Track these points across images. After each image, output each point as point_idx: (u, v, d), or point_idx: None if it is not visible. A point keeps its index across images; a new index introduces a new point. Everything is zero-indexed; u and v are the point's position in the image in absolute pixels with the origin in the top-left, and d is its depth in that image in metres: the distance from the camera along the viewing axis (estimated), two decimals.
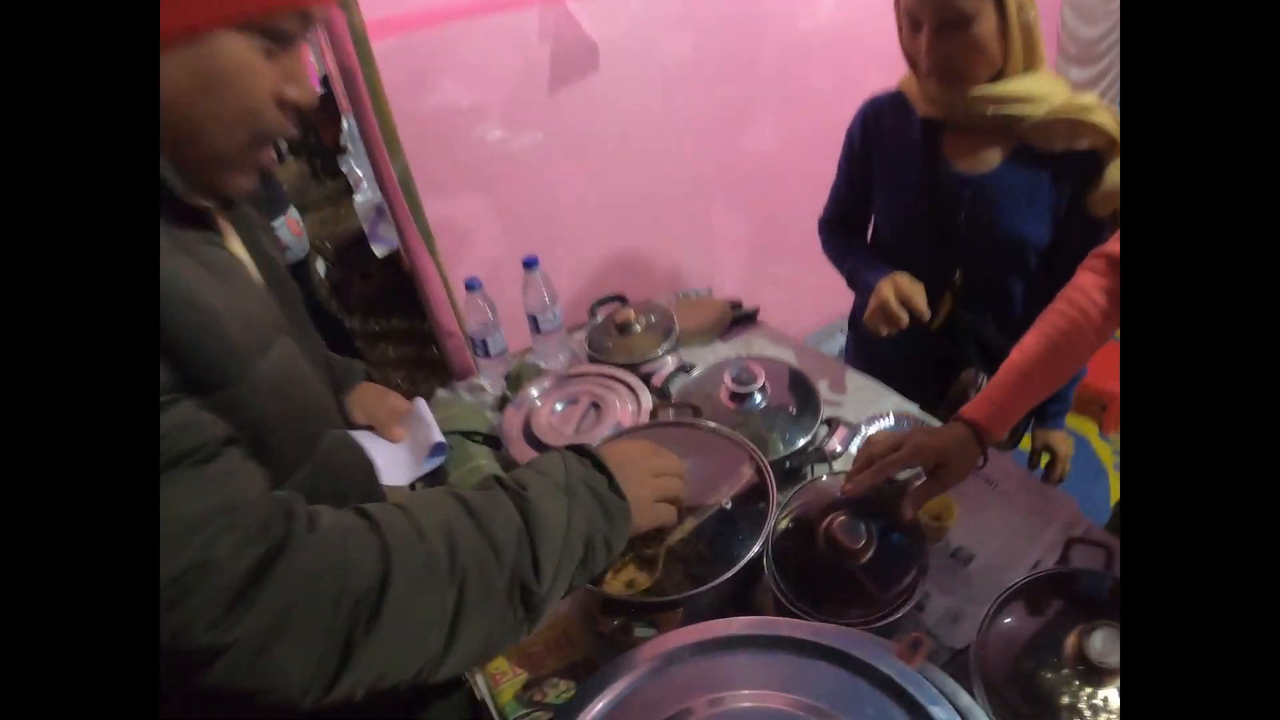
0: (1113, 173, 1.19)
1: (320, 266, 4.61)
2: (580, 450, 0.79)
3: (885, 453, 0.97)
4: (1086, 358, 1.04)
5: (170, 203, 0.59)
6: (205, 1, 0.53)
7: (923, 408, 1.37)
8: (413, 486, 1.16)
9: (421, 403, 1.22)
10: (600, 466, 0.77)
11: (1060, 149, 1.21)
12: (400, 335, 3.82)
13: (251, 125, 0.61)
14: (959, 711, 0.66)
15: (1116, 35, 3.24)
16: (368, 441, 1.07)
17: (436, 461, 1.18)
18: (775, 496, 0.96)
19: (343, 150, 4.43)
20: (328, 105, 4.05)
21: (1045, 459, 1.45)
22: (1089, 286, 1.02)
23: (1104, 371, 2.69)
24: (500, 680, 0.97)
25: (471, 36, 1.64)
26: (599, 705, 0.71)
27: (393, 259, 3.56)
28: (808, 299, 2.46)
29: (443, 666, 0.62)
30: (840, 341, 2.92)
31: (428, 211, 1.59)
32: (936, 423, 1.28)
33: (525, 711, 0.93)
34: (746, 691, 0.70)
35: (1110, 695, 0.74)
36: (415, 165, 1.55)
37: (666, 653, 0.74)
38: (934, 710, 0.66)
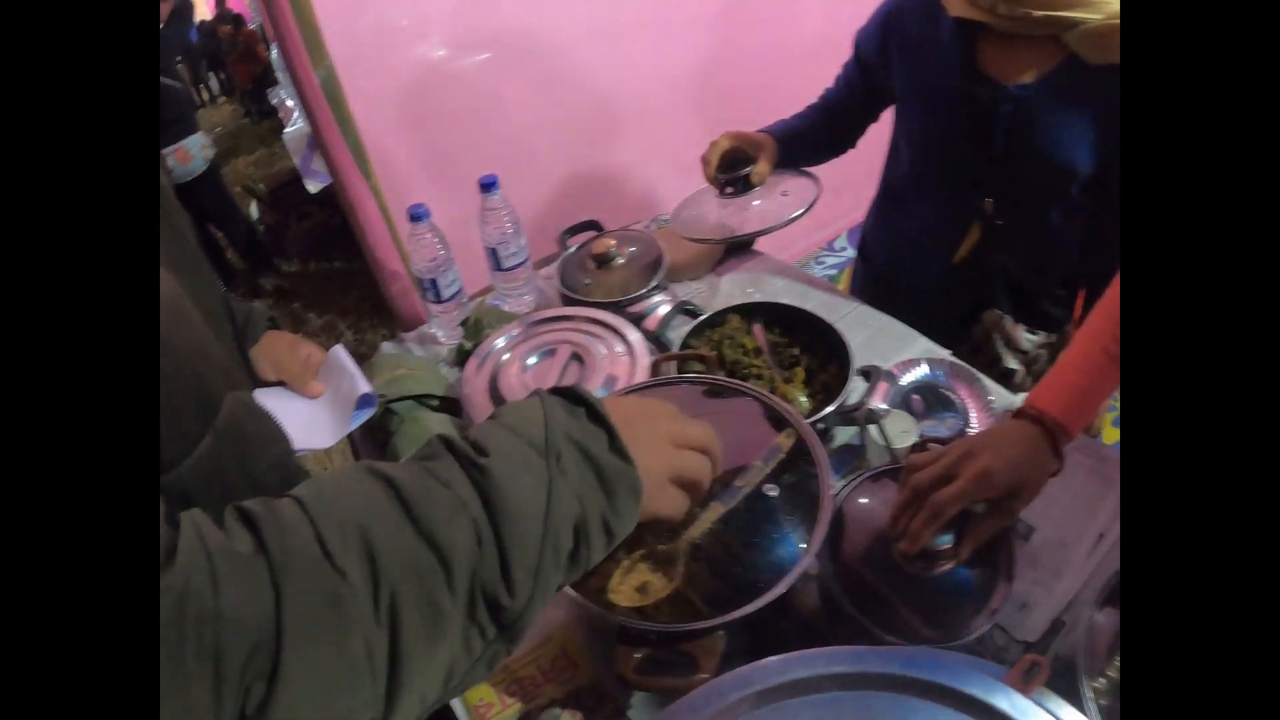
0: None
1: (254, 210, 4.38)
2: (569, 395, 0.56)
3: (935, 483, 0.76)
4: None
5: None
6: None
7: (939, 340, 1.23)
8: None
9: (340, 350, 1.05)
10: (597, 417, 0.54)
11: (1115, 62, 1.03)
12: (343, 279, 3.63)
13: None
14: None
15: None
16: (279, 401, 0.97)
17: (365, 416, 1.00)
18: (827, 475, 0.75)
19: (272, 83, 4.22)
20: (245, 45, 3.87)
21: None
22: None
23: None
24: (487, 714, 0.79)
25: None
26: None
27: (332, 197, 3.34)
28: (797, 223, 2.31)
29: (391, 715, 0.44)
30: (819, 273, 2.76)
31: (366, 142, 1.36)
32: (988, 381, 1.10)
33: None
34: None
35: None
36: (351, 90, 1.36)
37: (723, 708, 0.55)
38: None
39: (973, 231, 1.23)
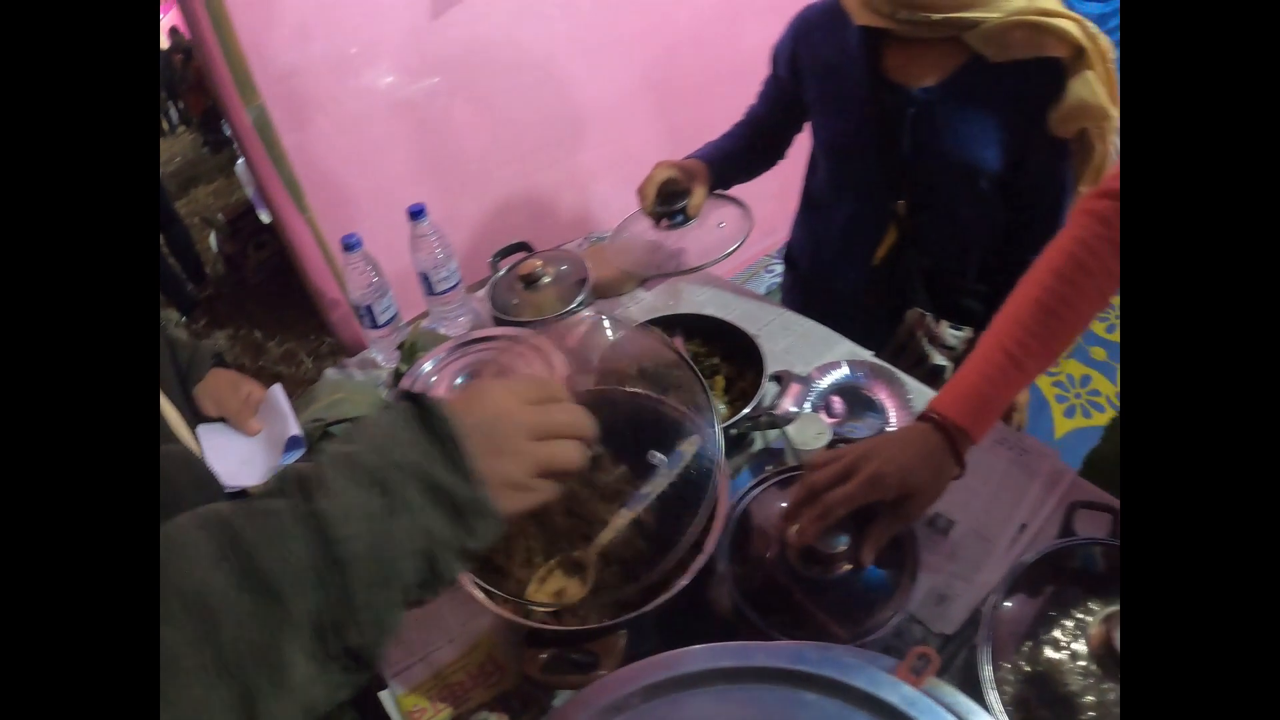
0: (1078, 86, 1.06)
1: (213, 241, 4.39)
2: (422, 407, 0.54)
3: (829, 483, 0.76)
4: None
5: None
6: None
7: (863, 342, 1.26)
8: None
9: (277, 390, 1.08)
10: (442, 434, 0.53)
11: (1018, 60, 1.08)
12: (301, 307, 3.65)
13: None
14: None
15: None
16: (218, 437, 1.02)
17: (292, 457, 1.03)
18: (726, 475, 0.79)
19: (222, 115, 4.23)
20: (196, 76, 3.89)
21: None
22: (1091, 239, 0.83)
23: None
24: (420, 719, 0.81)
25: None
26: None
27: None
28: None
29: None
30: (768, 280, 2.80)
31: (304, 173, 1.38)
32: (901, 375, 1.13)
33: None
34: None
35: None
36: (289, 123, 1.39)
37: (613, 701, 0.57)
38: None
39: (889, 233, 1.27)
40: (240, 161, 3.78)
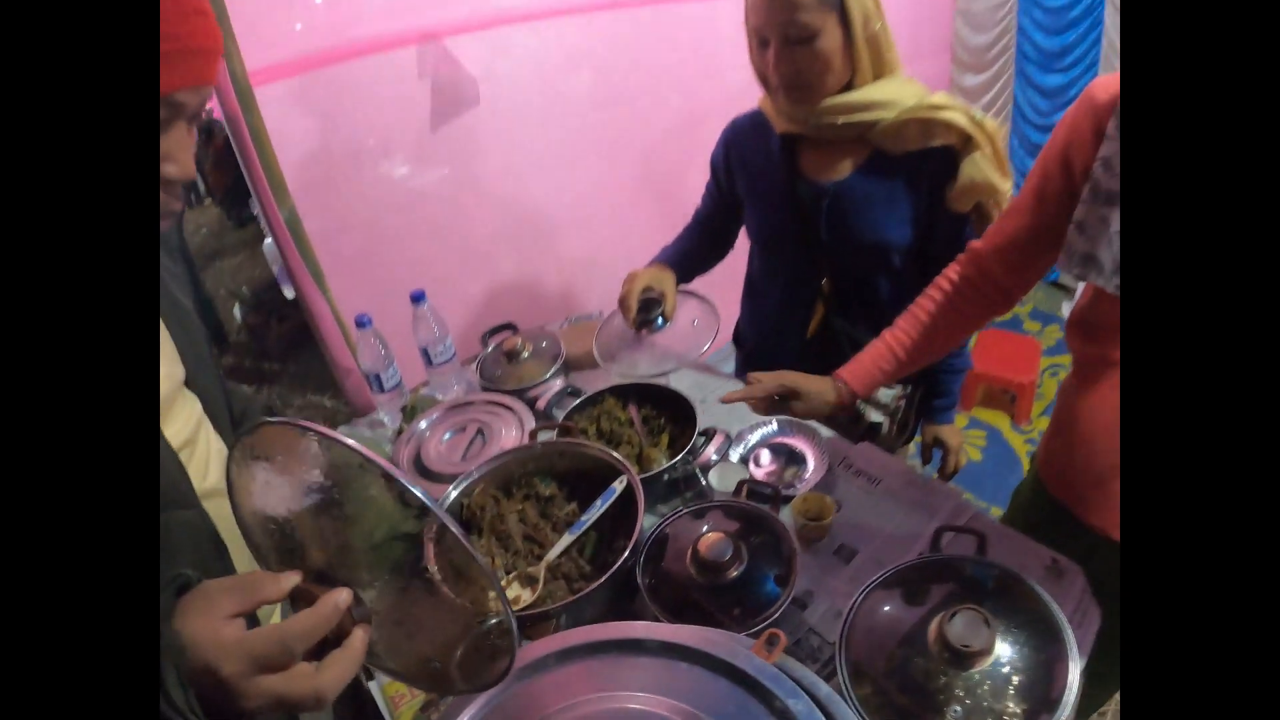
0: (968, 167, 1.23)
1: (237, 312, 4.58)
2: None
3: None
4: (956, 337, 1.15)
5: None
6: None
7: None
8: None
9: None
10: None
11: (915, 149, 1.25)
12: (319, 375, 3.84)
13: None
14: (818, 702, 0.67)
15: (1005, 41, 3.42)
16: None
17: None
18: (642, 509, 0.98)
19: (246, 191, 4.46)
20: (216, 154, 4.11)
21: (937, 456, 1.49)
22: (949, 272, 1.13)
23: (1012, 364, 2.84)
24: (400, 703, 0.98)
25: (352, 77, 1.66)
26: (465, 716, 0.71)
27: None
28: None
29: None
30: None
31: (321, 251, 1.59)
32: (824, 430, 1.31)
33: None
34: (607, 694, 0.71)
35: (977, 677, 0.76)
36: (307, 205, 1.56)
37: (532, 661, 0.75)
38: (791, 703, 0.67)
39: (818, 309, 1.42)
40: (268, 241, 4.06)
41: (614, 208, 2.31)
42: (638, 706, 0.70)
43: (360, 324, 1.46)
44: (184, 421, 0.79)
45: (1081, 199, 0.89)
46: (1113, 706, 1.79)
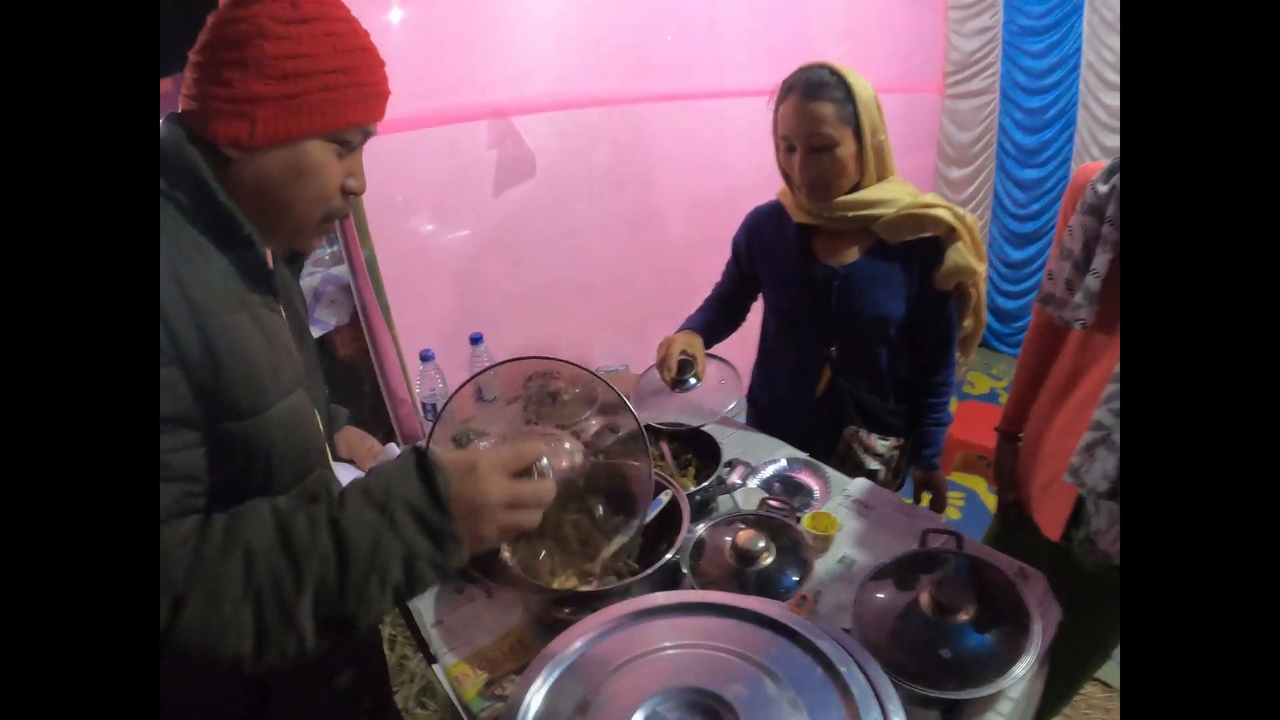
0: (952, 254, 1.48)
1: None
2: (424, 467, 0.77)
3: None
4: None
5: (251, 267, 0.81)
6: (299, 119, 0.78)
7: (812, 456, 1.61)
8: None
9: (393, 447, 1.39)
10: (434, 489, 0.76)
11: (909, 240, 1.49)
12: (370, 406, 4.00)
13: (325, 205, 0.85)
14: (839, 643, 0.85)
15: (987, 139, 3.79)
16: (346, 472, 1.24)
17: None
18: (687, 514, 1.18)
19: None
20: None
21: (927, 498, 1.71)
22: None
23: (988, 433, 3.01)
24: (464, 681, 1.11)
25: (428, 143, 1.89)
26: (550, 665, 0.86)
27: (328, 341, 3.76)
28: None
29: (260, 663, 0.68)
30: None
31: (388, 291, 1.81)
32: (828, 469, 1.52)
33: (488, 704, 1.07)
34: (674, 645, 0.88)
35: (959, 630, 0.95)
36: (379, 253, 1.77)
37: (605, 622, 0.91)
38: (822, 644, 0.85)
39: (825, 372, 1.64)
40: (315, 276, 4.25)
41: (629, 277, 2.54)
42: (702, 652, 0.87)
43: (424, 358, 1.66)
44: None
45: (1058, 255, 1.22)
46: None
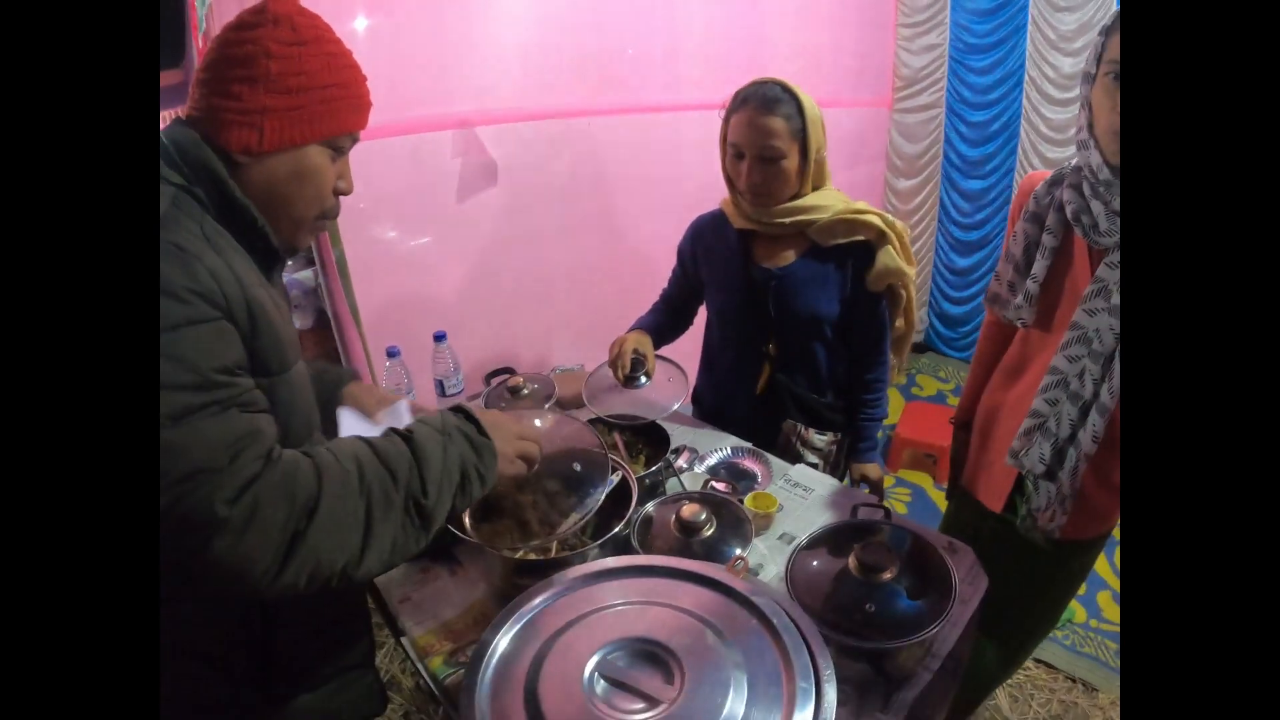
0: (883, 256, 1.60)
1: None
2: (460, 408, 1.04)
3: None
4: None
5: (266, 252, 0.94)
6: (301, 128, 0.91)
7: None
8: None
9: (404, 402, 1.38)
10: (472, 418, 1.01)
11: (841, 243, 1.60)
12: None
13: (320, 204, 0.98)
14: (773, 598, 0.95)
15: (934, 151, 3.95)
16: (350, 417, 1.29)
17: None
18: (635, 491, 1.28)
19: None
20: None
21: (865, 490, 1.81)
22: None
23: (934, 431, 3.21)
24: (430, 651, 1.19)
25: (392, 151, 1.97)
26: (510, 622, 0.96)
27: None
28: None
29: (362, 563, 0.83)
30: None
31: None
32: (771, 456, 1.63)
33: (451, 671, 1.15)
34: (623, 601, 0.97)
35: (883, 589, 1.04)
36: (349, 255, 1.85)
37: (564, 582, 1.02)
38: (755, 599, 0.95)
39: (765, 369, 1.74)
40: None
41: (586, 280, 2.63)
42: (649, 608, 0.96)
43: (390, 354, 1.73)
44: None
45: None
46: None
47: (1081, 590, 2.44)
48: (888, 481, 3.09)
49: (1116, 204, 1.15)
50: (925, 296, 4.29)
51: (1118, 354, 1.21)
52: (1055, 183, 1.28)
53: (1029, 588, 1.52)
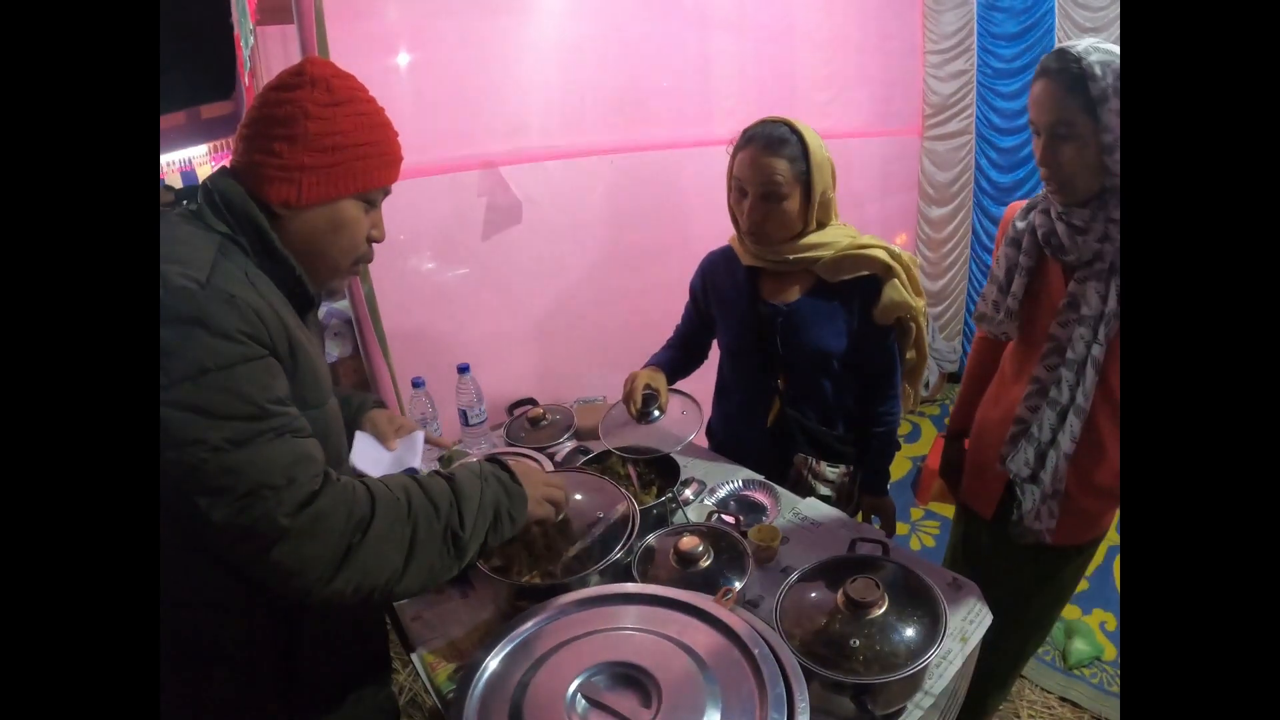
0: (889, 290, 1.61)
1: None
2: (494, 458, 1.16)
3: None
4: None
5: (303, 296, 1.02)
6: (337, 183, 0.99)
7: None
8: None
9: (420, 433, 1.47)
10: (506, 468, 1.13)
11: (848, 278, 1.62)
12: None
13: (355, 252, 1.07)
14: (754, 628, 1.00)
15: (965, 179, 3.95)
16: (366, 442, 1.38)
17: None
18: (637, 522, 1.32)
19: None
20: None
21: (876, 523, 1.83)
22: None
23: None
24: (437, 667, 1.25)
25: (425, 189, 2.06)
26: (504, 641, 1.03)
27: (331, 371, 3.92)
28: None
29: (403, 581, 0.93)
30: None
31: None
32: (780, 489, 1.65)
33: (454, 686, 1.16)
34: (610, 627, 1.03)
35: (870, 625, 1.05)
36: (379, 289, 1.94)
37: (557, 607, 1.08)
38: (738, 630, 1.00)
39: (775, 403, 1.76)
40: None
41: (611, 315, 2.69)
42: (634, 634, 1.02)
43: (416, 384, 1.82)
44: None
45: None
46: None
47: (1112, 625, 2.43)
48: (916, 514, 3.09)
49: (1078, 223, 1.30)
50: (959, 325, 4.26)
51: (1090, 360, 1.32)
52: (1029, 209, 1.43)
53: (1023, 597, 1.57)
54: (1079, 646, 2.41)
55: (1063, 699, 2.26)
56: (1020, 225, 1.43)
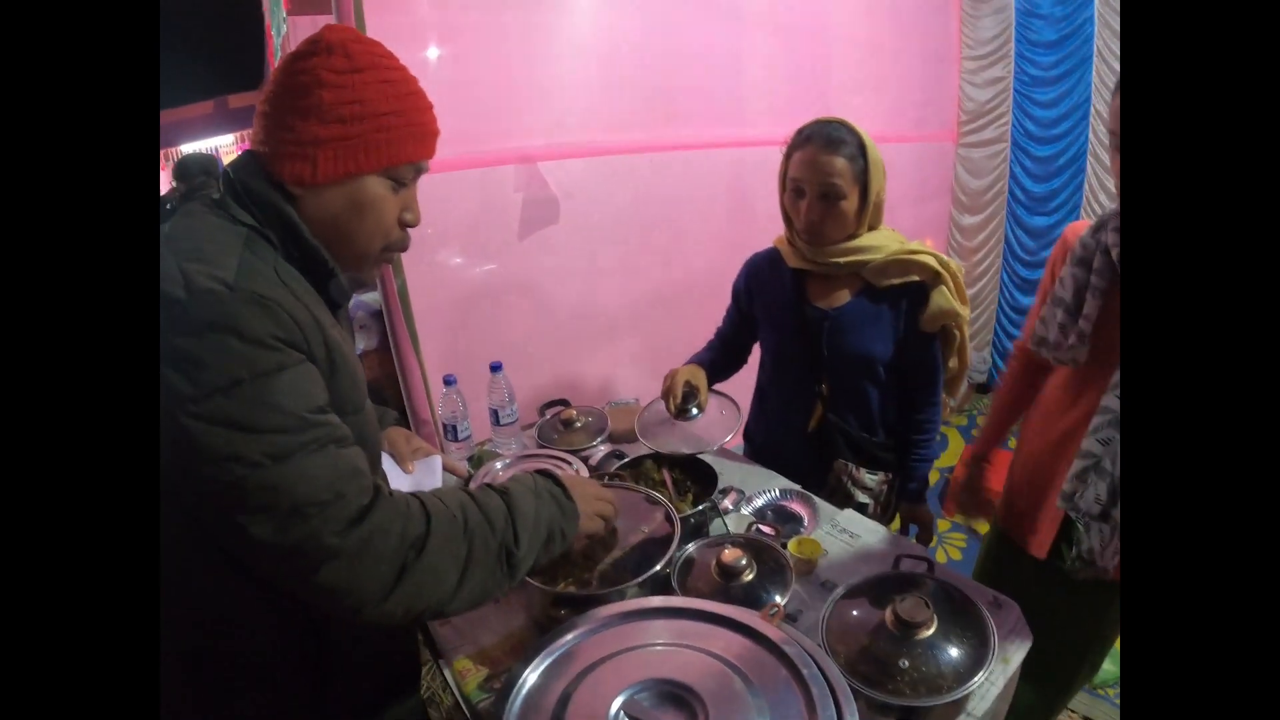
0: (937, 297, 1.58)
1: None
2: (548, 473, 1.12)
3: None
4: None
5: (334, 295, 0.96)
6: (355, 158, 0.90)
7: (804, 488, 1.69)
8: None
9: (438, 458, 1.47)
10: (559, 483, 1.09)
11: (896, 283, 1.60)
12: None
13: (384, 237, 0.99)
14: (803, 647, 0.96)
15: (999, 187, 3.89)
16: (384, 462, 1.36)
17: None
18: (679, 531, 1.28)
19: None
20: None
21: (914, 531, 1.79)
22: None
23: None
24: (466, 676, 1.22)
25: (459, 184, 2.04)
26: (544, 655, 0.99)
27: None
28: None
29: (454, 600, 0.89)
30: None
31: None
32: (819, 500, 1.61)
33: (485, 696, 1.18)
34: (654, 642, 0.99)
35: (919, 645, 1.03)
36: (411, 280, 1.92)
37: (599, 619, 1.04)
38: (786, 648, 0.95)
39: (817, 408, 1.74)
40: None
41: (648, 315, 2.67)
42: (679, 650, 0.97)
43: (448, 382, 1.79)
44: None
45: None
46: None
47: None
48: (943, 525, 3.04)
49: None
50: (989, 336, 4.20)
51: None
52: (1099, 228, 1.32)
53: (1072, 631, 1.50)
54: (1104, 666, 2.35)
55: (1086, 718, 2.20)
56: (1090, 244, 1.33)
